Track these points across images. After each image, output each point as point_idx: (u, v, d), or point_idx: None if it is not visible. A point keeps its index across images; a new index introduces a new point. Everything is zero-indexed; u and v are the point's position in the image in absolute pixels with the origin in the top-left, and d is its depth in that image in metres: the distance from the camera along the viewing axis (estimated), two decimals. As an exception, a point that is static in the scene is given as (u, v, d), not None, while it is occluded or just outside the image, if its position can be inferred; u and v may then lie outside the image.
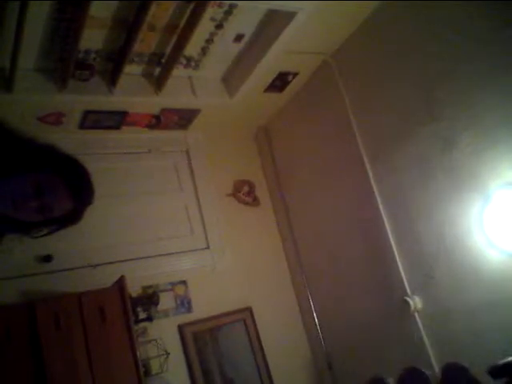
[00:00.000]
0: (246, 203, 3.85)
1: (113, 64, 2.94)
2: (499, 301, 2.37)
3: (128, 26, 2.67)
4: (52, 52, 2.74)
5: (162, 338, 3.05)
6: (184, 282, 3.35)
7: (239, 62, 3.21)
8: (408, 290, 2.87)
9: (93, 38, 2.69)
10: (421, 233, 2.78)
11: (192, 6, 2.60)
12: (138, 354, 2.67)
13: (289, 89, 3.52)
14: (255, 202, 3.90)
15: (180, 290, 3.32)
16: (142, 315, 2.99)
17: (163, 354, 3.00)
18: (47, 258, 2.98)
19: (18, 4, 2.26)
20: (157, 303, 3.08)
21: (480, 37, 2.38)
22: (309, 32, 2.89)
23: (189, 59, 3.09)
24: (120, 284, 2.81)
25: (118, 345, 2.66)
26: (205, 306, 3.33)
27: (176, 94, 3.21)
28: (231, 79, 3.34)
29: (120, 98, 3.07)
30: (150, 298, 3.07)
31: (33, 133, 1.33)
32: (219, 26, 2.85)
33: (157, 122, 3.46)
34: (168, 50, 2.94)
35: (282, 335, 3.53)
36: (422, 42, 2.67)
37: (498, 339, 2.35)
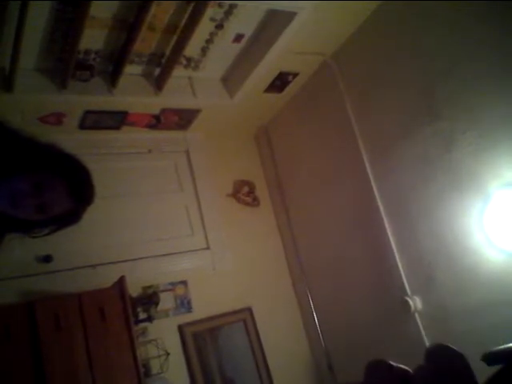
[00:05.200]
0: (246, 203, 3.85)
1: (113, 64, 2.94)
2: (499, 301, 2.37)
3: (128, 26, 2.67)
4: (52, 52, 2.74)
5: (162, 338, 3.05)
6: (184, 283, 3.35)
7: (239, 63, 3.21)
8: (408, 291, 2.87)
9: (93, 39, 2.70)
10: (421, 233, 2.78)
11: (192, 6, 2.60)
12: (138, 354, 2.67)
13: (289, 89, 3.52)
14: (255, 202, 3.90)
15: (180, 290, 3.32)
16: (142, 315, 2.99)
17: (163, 354, 3.00)
18: (47, 258, 2.98)
19: (19, 4, 2.26)
20: (157, 303, 3.08)
21: (480, 37, 2.38)
22: (309, 32, 2.90)
23: (189, 59, 3.10)
24: (120, 284, 2.81)
25: (117, 345, 2.66)
26: (205, 306, 3.33)
27: (176, 94, 3.21)
28: (231, 79, 3.34)
29: (120, 98, 3.07)
30: (150, 298, 3.07)
31: (33, 133, 1.33)
32: (219, 26, 2.85)
33: (157, 122, 3.46)
34: (168, 50, 2.95)
35: (282, 335, 3.53)
36: (422, 43, 2.67)
37: (499, 339, 2.34)
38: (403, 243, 2.91)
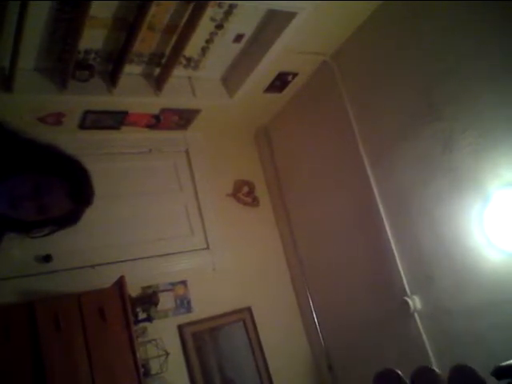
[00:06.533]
0: (246, 203, 3.85)
1: (113, 64, 2.94)
2: (499, 301, 2.37)
3: (128, 26, 2.67)
4: (52, 52, 2.74)
5: (161, 338, 3.05)
6: (184, 282, 3.35)
7: (239, 63, 3.21)
8: (408, 290, 2.87)
9: (93, 38, 2.69)
10: (421, 233, 2.78)
11: (192, 6, 2.60)
12: (137, 354, 2.67)
13: (289, 89, 3.52)
14: (255, 202, 3.90)
15: (180, 290, 3.32)
16: (142, 315, 2.99)
17: (163, 354, 3.00)
18: (47, 258, 2.98)
19: (18, 4, 2.26)
20: (156, 303, 3.07)
21: (480, 37, 2.38)
22: (309, 32, 2.90)
23: (189, 59, 3.09)
24: (120, 284, 2.81)
25: (117, 345, 2.66)
26: (204, 306, 3.33)
27: (176, 94, 3.21)
28: (231, 79, 3.34)
29: (120, 98, 3.07)
30: (149, 298, 3.07)
31: (33, 133, 1.33)
32: (219, 26, 2.85)
33: (157, 122, 3.46)
34: (168, 50, 2.94)
35: (282, 335, 3.53)
36: (422, 42, 2.67)
37: (498, 339, 2.35)
38: (403, 243, 2.91)
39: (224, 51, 3.09)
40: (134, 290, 3.04)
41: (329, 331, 3.53)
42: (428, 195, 2.71)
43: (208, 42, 2.97)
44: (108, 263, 3.13)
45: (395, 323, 2.98)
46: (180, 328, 3.22)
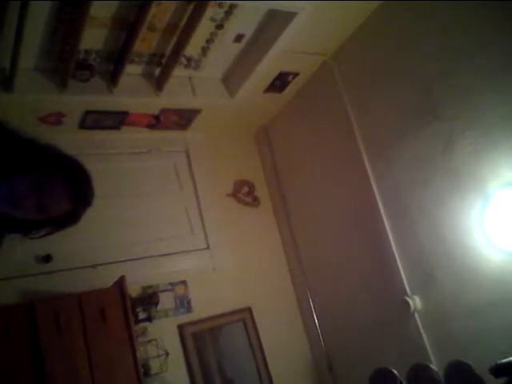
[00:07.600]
0: (246, 203, 3.85)
1: (113, 64, 2.94)
2: (499, 301, 2.37)
3: (128, 26, 2.67)
4: (52, 52, 2.74)
5: (161, 338, 3.05)
6: (184, 282, 3.35)
7: (239, 62, 3.21)
8: (408, 290, 2.87)
9: (93, 38, 2.70)
10: (421, 233, 2.78)
11: (192, 5, 2.60)
12: (137, 354, 2.67)
13: (289, 89, 3.52)
14: (255, 202, 3.90)
15: (180, 290, 3.32)
16: (142, 315, 2.99)
17: (163, 354, 3.00)
18: (47, 258, 2.98)
19: (19, 4, 2.26)
20: (157, 303, 3.08)
21: (480, 36, 2.38)
22: (309, 32, 2.90)
23: (189, 59, 3.10)
24: (120, 284, 2.81)
25: (117, 345, 2.66)
26: (204, 306, 3.33)
27: (176, 94, 3.21)
28: (231, 79, 3.34)
29: (120, 98, 3.07)
30: (149, 298, 3.07)
31: (33, 133, 1.34)
32: (219, 26, 2.85)
33: (157, 122, 3.46)
34: (168, 50, 2.95)
35: (282, 335, 3.53)
36: (422, 42, 2.68)
37: (499, 339, 2.35)
38: (403, 243, 2.91)
39: (224, 51, 3.09)
40: (134, 290, 3.04)
41: (329, 331, 3.53)
42: (428, 195, 2.71)
43: (208, 41, 2.97)
44: (108, 263, 3.13)
45: (395, 323, 2.98)
46: (180, 328, 3.22)
